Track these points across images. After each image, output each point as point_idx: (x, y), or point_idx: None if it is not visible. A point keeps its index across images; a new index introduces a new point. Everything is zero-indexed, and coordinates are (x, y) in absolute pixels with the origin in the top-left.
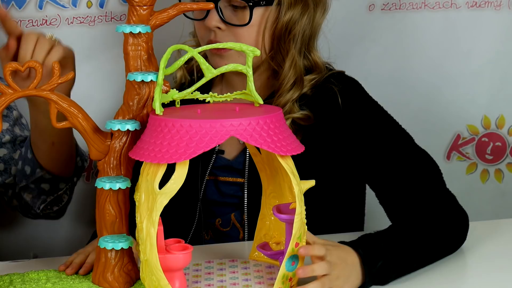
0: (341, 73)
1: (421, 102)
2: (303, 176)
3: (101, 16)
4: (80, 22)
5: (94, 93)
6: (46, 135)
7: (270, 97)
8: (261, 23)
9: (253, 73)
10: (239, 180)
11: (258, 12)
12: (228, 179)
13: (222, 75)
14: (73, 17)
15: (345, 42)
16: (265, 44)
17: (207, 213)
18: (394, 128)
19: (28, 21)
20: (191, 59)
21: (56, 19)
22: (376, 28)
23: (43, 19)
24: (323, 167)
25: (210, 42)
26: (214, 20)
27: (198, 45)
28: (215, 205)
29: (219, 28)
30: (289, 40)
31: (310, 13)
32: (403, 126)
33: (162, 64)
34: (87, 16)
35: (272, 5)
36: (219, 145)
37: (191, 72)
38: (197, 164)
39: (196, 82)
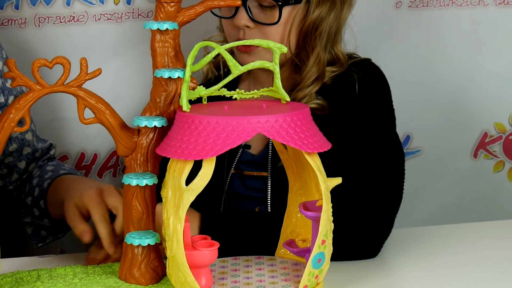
0: (366, 60)
1: (448, 100)
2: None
3: (128, 12)
4: (107, 19)
5: (121, 90)
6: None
7: (290, 91)
8: (288, 21)
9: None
10: (264, 174)
11: (286, 10)
12: (253, 173)
13: (249, 72)
14: (101, 14)
15: (371, 40)
16: (291, 41)
17: (231, 207)
18: (387, 129)
19: (56, 17)
20: (219, 54)
21: (84, 16)
22: (403, 26)
23: (70, 16)
24: (339, 157)
25: (238, 40)
26: (243, 19)
27: (225, 40)
28: (239, 199)
29: (247, 26)
30: (315, 37)
31: (337, 10)
32: (429, 125)
33: (189, 61)
34: (114, 12)
35: (300, 3)
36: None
37: (218, 67)
38: (223, 158)
39: (223, 77)
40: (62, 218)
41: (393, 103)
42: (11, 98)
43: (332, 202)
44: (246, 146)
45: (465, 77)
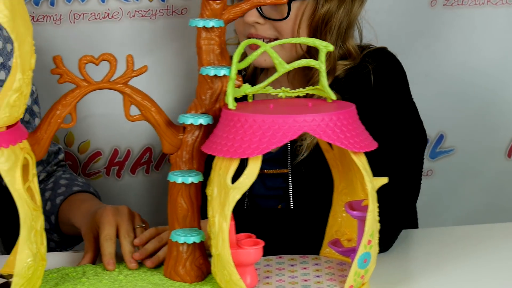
0: (381, 49)
1: (481, 99)
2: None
3: (162, 9)
4: (142, 16)
5: (155, 87)
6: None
7: (302, 87)
8: (298, 16)
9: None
10: (284, 171)
11: (295, 5)
12: (273, 172)
13: (267, 72)
14: (135, 11)
15: (405, 38)
16: (301, 36)
17: (254, 206)
18: (405, 118)
19: (91, 14)
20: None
21: (118, 13)
22: (438, 24)
23: (105, 13)
24: None
25: (250, 36)
26: (253, 15)
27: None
28: (261, 198)
29: (257, 23)
30: (325, 32)
31: (347, 5)
32: (463, 124)
33: (235, 58)
34: (149, 9)
35: None
36: None
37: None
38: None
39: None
40: (73, 234)
41: (427, 102)
42: None
43: None
44: None
45: (499, 76)
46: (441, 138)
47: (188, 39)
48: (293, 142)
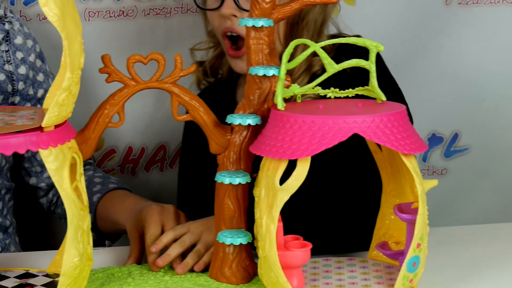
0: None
1: (496, 98)
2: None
3: (177, 8)
4: (157, 14)
5: None
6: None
7: None
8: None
9: None
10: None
11: None
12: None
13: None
14: (150, 9)
15: (420, 36)
16: (280, 32)
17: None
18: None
19: (106, 12)
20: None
21: (133, 11)
22: (453, 23)
23: (120, 10)
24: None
25: (226, 30)
26: (230, 8)
27: (215, 46)
28: None
29: (234, 16)
30: (301, 27)
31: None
32: (478, 123)
33: (285, 58)
34: (164, 7)
35: None
36: None
37: (212, 72)
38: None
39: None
40: (111, 232)
41: (442, 100)
42: (40, 92)
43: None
44: None
45: None
46: (455, 137)
47: (202, 37)
48: None
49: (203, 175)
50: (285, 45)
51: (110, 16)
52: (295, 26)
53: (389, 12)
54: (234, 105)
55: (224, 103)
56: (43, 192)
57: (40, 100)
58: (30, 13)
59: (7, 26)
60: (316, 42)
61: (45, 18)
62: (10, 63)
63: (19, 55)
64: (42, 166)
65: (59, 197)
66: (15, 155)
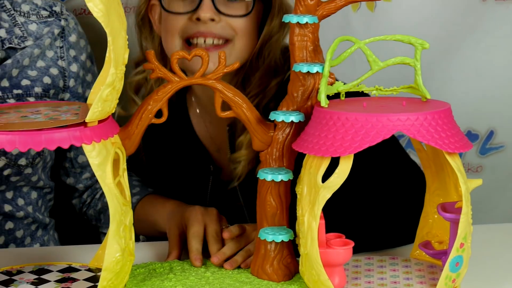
0: None
1: None
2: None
3: None
4: None
5: None
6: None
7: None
8: (254, 14)
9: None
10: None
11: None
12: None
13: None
14: None
15: (456, 34)
16: (255, 35)
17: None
18: None
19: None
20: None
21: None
22: (489, 19)
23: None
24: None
25: (198, 35)
26: (209, 11)
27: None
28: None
29: (213, 19)
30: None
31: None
32: None
33: (329, 55)
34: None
35: None
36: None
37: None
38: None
39: None
40: (146, 234)
41: (477, 97)
42: (88, 92)
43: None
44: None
45: None
46: (491, 134)
47: None
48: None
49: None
50: (250, 65)
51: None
52: (263, 44)
53: (425, 8)
54: (189, 123)
55: (178, 124)
56: (78, 193)
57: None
58: (67, 7)
59: (63, 23)
60: (271, 52)
61: (81, 13)
62: (64, 59)
63: (72, 52)
64: (83, 168)
65: (92, 198)
66: (57, 154)
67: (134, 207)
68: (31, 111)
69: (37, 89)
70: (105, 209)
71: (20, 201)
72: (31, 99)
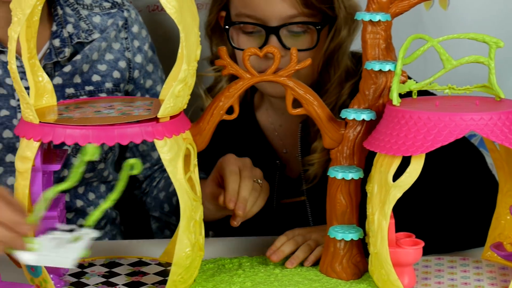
0: None
1: None
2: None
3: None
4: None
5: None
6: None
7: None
8: (320, 43)
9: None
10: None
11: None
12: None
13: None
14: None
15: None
16: (316, 62)
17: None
18: None
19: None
20: None
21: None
22: None
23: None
24: None
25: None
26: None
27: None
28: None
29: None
30: (337, 56)
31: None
32: None
33: (401, 53)
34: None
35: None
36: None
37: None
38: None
39: None
40: (207, 219)
41: None
42: (148, 82)
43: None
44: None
45: None
46: None
47: None
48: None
49: None
50: (320, 75)
51: (153, 10)
52: (331, 55)
53: (498, 6)
54: (256, 124)
55: (246, 123)
56: (138, 183)
57: (149, 91)
58: (139, 4)
59: (125, 14)
60: (342, 60)
61: (154, 9)
62: (129, 50)
63: (136, 43)
64: (144, 157)
65: (150, 186)
66: (120, 146)
67: None
68: (105, 106)
69: (108, 85)
70: (157, 195)
71: (91, 195)
72: (103, 95)
